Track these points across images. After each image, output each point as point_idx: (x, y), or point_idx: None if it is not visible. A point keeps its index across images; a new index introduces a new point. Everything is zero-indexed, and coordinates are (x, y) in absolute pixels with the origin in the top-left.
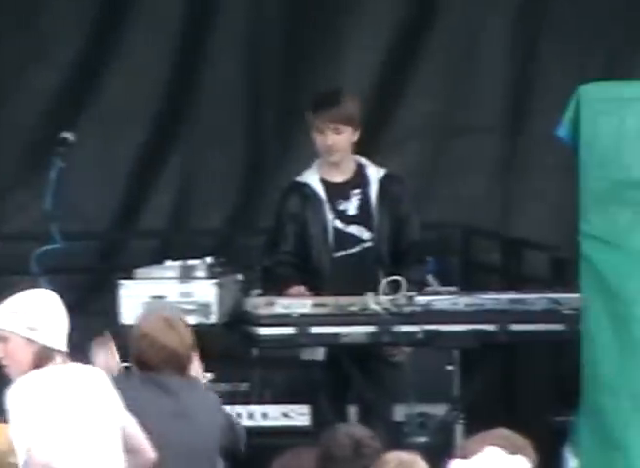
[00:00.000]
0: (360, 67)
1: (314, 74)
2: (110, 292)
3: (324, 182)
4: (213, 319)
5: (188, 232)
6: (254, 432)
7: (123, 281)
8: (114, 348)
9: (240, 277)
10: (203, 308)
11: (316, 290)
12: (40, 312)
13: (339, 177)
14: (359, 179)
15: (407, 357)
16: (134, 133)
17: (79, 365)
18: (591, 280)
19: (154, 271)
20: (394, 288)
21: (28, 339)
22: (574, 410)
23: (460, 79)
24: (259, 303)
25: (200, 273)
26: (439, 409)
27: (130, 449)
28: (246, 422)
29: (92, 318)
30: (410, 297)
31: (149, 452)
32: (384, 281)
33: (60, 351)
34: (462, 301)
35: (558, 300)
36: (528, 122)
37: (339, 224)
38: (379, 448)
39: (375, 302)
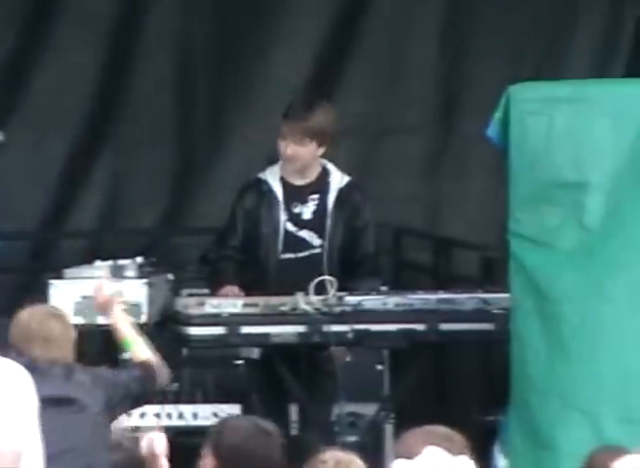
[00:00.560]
0: (290, 67)
1: (245, 74)
2: (40, 291)
3: (284, 182)
4: (143, 319)
5: (119, 232)
6: (184, 432)
7: (53, 281)
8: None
9: (171, 277)
10: (133, 308)
11: (260, 290)
12: None
13: (299, 180)
14: (320, 185)
15: (341, 366)
16: (64, 132)
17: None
18: (520, 279)
19: (84, 271)
20: (325, 288)
21: None
22: (503, 410)
23: (390, 79)
24: (189, 303)
25: (130, 273)
26: (369, 409)
27: None
28: (176, 422)
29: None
30: (340, 297)
31: None
32: (314, 281)
33: None
34: (392, 301)
35: (488, 300)
36: (458, 121)
37: (290, 227)
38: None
39: (305, 302)
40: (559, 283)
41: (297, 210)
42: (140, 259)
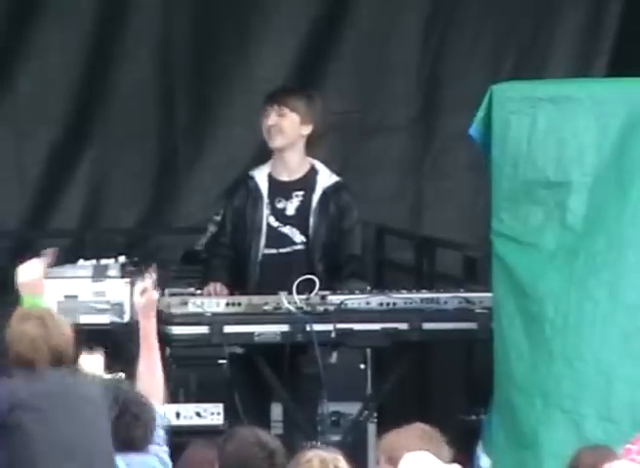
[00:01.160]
0: (272, 66)
1: (226, 74)
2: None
3: (270, 178)
4: (126, 318)
5: (101, 231)
6: (167, 431)
7: None
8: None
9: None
10: (116, 307)
11: (243, 284)
12: None
13: (285, 176)
14: (306, 182)
15: (317, 368)
16: (46, 132)
17: None
18: (503, 278)
19: (67, 270)
20: (308, 287)
21: None
22: (486, 409)
23: (372, 78)
24: (172, 302)
25: (113, 272)
26: (352, 408)
27: None
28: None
29: (2, 318)
30: (323, 297)
31: None
32: (297, 280)
33: None
34: (375, 300)
35: (470, 299)
36: (440, 121)
37: (273, 222)
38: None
39: (288, 301)
40: (542, 282)
41: (280, 205)
42: (122, 259)
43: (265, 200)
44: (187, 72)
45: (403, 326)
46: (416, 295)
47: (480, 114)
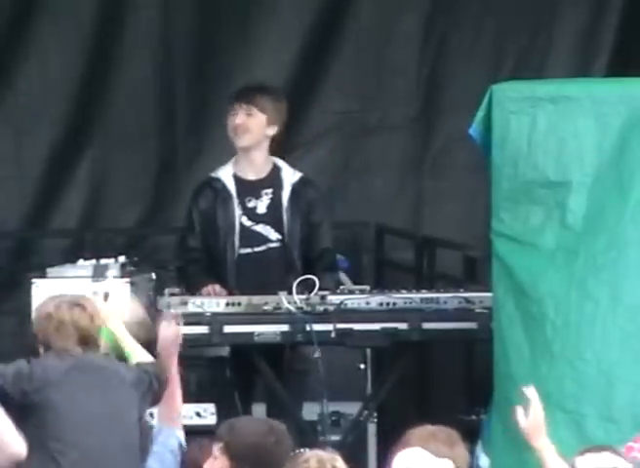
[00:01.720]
0: (272, 67)
1: (226, 74)
2: (23, 291)
3: (236, 178)
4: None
5: (101, 231)
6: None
7: (36, 280)
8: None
9: (153, 276)
10: None
11: (221, 285)
12: None
13: (252, 175)
14: (272, 180)
15: (313, 366)
16: (46, 132)
17: None
18: (503, 278)
19: (67, 270)
20: (307, 287)
21: None
22: (486, 409)
23: (372, 78)
24: (172, 302)
25: (113, 272)
26: (352, 408)
27: None
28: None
29: (4, 317)
30: (323, 296)
31: (13, 447)
32: (297, 280)
33: None
34: (375, 300)
35: (470, 299)
36: (440, 121)
37: (246, 221)
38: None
39: (288, 301)
40: (542, 282)
41: (251, 204)
42: (122, 259)
43: (236, 200)
44: (187, 72)
45: (403, 326)
46: (415, 295)
47: (480, 114)
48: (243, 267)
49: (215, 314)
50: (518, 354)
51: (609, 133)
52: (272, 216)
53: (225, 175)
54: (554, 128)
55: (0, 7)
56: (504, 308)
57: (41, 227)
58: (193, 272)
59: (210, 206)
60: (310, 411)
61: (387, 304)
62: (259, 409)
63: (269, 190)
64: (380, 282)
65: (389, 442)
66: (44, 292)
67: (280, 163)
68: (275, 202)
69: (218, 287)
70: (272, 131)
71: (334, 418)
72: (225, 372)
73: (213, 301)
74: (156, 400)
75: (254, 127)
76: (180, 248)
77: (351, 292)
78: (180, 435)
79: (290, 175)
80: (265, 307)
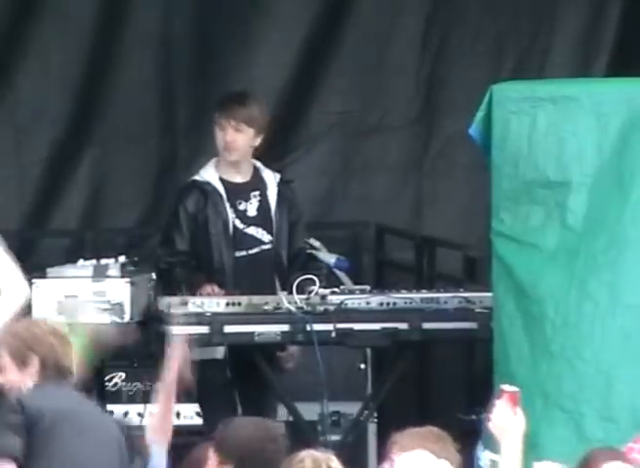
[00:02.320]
0: (272, 67)
1: (226, 74)
2: None
3: (223, 181)
4: (126, 318)
5: (101, 231)
6: None
7: (36, 280)
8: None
9: (153, 276)
10: (116, 307)
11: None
12: None
13: (238, 178)
14: (257, 182)
15: (295, 365)
16: (46, 131)
17: None
18: (503, 279)
19: (67, 270)
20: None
21: None
22: (485, 409)
23: (372, 78)
24: (172, 302)
25: (113, 272)
26: (352, 408)
27: None
28: None
29: None
30: (323, 296)
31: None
32: (297, 280)
33: None
34: (375, 300)
35: (470, 299)
36: (440, 121)
37: (238, 224)
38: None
39: (288, 301)
40: (542, 282)
41: (241, 207)
42: (122, 259)
43: (227, 203)
44: (187, 72)
45: (403, 325)
46: (416, 295)
47: (480, 114)
48: (238, 270)
49: (215, 314)
50: (518, 354)
51: (609, 133)
52: (262, 218)
53: (213, 178)
54: (554, 128)
55: (0, 6)
56: (504, 308)
57: (41, 227)
58: (177, 275)
59: (199, 209)
60: (310, 411)
61: (388, 304)
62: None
63: (257, 192)
64: (381, 282)
65: (388, 445)
66: (44, 292)
67: (258, 164)
68: (264, 204)
69: (217, 287)
70: (259, 140)
71: (334, 418)
72: (226, 373)
73: (213, 301)
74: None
75: (244, 143)
76: (164, 250)
77: (351, 291)
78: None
79: (271, 176)
80: (266, 307)
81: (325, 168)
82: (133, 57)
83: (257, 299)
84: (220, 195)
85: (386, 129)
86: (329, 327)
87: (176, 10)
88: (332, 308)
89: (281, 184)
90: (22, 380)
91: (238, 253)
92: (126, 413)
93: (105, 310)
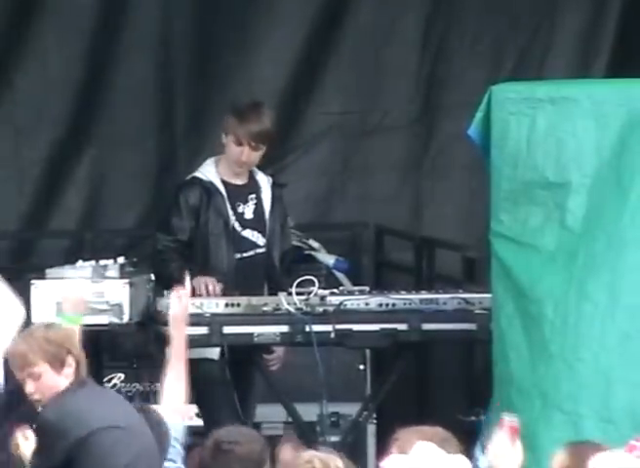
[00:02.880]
0: (272, 67)
1: (226, 74)
2: (22, 292)
3: (224, 183)
4: (125, 319)
5: (100, 232)
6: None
7: (35, 281)
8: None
9: (152, 277)
10: (115, 308)
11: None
12: None
13: (238, 180)
14: (252, 184)
15: (282, 366)
16: (45, 132)
17: None
18: (502, 279)
19: (66, 271)
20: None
21: None
22: (485, 409)
23: (372, 79)
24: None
25: (112, 273)
26: (351, 409)
27: None
28: None
29: None
30: (322, 297)
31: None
32: (297, 280)
33: None
34: (374, 301)
35: (469, 300)
36: (439, 121)
37: (237, 226)
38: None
39: (287, 302)
40: (541, 283)
41: (240, 209)
42: (121, 260)
43: (229, 205)
44: (187, 72)
45: (402, 326)
46: (415, 296)
47: (479, 115)
48: (237, 273)
49: (214, 315)
50: (517, 354)
51: (608, 133)
52: (258, 221)
53: (215, 179)
54: (553, 129)
55: (0, 6)
56: (504, 309)
57: (40, 227)
58: (169, 259)
59: (199, 207)
60: (309, 412)
61: (387, 305)
62: (269, 410)
63: (253, 195)
64: (380, 282)
65: (389, 443)
66: (43, 293)
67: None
68: (259, 207)
69: (214, 280)
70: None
71: (333, 419)
72: (225, 373)
73: (212, 302)
74: None
75: (257, 158)
76: (164, 234)
77: (351, 292)
78: (181, 425)
79: (264, 178)
80: (265, 308)
81: (324, 168)
82: (132, 57)
83: (256, 300)
84: (223, 196)
85: (386, 129)
86: (328, 327)
87: (175, 10)
88: (331, 309)
89: (274, 186)
90: (58, 383)
91: (235, 256)
92: None
93: (104, 311)
